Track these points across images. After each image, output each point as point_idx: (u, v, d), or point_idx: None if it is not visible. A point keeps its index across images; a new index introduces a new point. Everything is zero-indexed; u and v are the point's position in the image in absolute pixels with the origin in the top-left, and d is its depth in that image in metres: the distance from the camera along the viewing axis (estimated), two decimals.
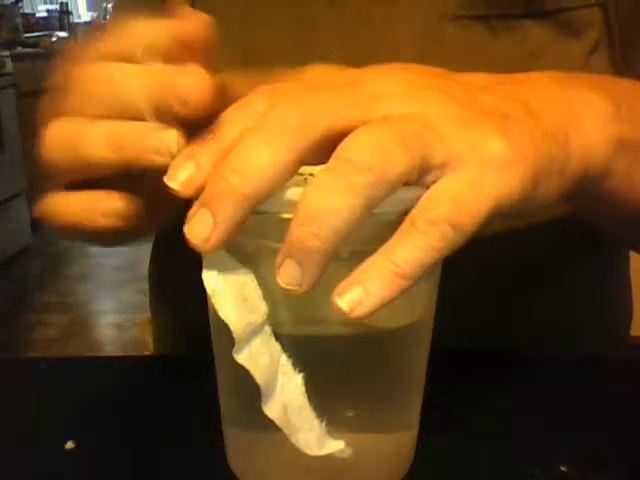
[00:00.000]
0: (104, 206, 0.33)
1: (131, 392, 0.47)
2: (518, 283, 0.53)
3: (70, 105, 0.32)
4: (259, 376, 0.30)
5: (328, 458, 0.34)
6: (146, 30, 0.31)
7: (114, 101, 0.31)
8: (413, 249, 0.27)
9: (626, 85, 0.39)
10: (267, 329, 0.31)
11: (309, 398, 0.32)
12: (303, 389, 0.31)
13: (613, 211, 0.40)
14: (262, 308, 0.31)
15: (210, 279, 0.30)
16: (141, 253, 0.66)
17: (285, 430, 0.31)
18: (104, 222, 0.33)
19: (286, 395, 0.31)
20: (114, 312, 2.62)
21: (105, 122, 0.31)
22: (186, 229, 0.28)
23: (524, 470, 0.38)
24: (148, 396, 0.46)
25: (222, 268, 0.30)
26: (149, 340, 0.70)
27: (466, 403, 0.43)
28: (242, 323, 0.30)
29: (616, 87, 0.38)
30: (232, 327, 0.29)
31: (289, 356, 0.31)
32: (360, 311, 0.27)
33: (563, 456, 0.39)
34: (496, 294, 0.52)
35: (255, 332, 0.30)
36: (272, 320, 0.33)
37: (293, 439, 0.31)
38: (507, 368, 0.48)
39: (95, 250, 3.18)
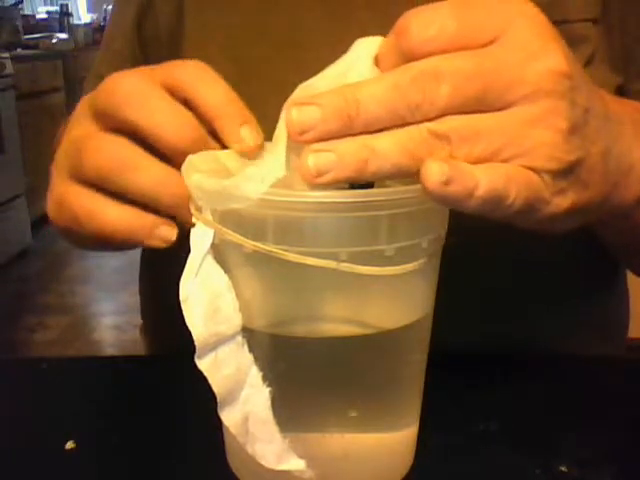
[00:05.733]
0: (155, 231, 0.36)
1: (131, 392, 0.47)
2: (519, 284, 0.53)
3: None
4: (217, 385, 0.31)
5: (328, 458, 0.34)
6: (218, 95, 0.35)
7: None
8: (395, 145, 0.28)
9: None
10: (239, 340, 0.31)
11: (308, 400, 0.32)
12: (269, 403, 0.31)
13: (624, 237, 0.45)
14: (236, 320, 0.31)
15: (185, 286, 0.30)
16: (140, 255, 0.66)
17: (240, 439, 0.31)
18: (150, 242, 0.36)
19: (249, 407, 0.31)
20: (114, 314, 2.62)
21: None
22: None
23: (524, 470, 0.38)
24: (148, 396, 0.46)
25: (202, 276, 0.31)
26: None
27: (466, 403, 0.43)
28: (207, 333, 0.30)
29: None
30: (194, 335, 0.30)
31: (260, 367, 0.31)
32: (324, 179, 0.28)
33: (563, 456, 0.39)
34: (496, 295, 0.52)
35: (222, 342, 0.31)
36: (271, 320, 0.33)
37: (249, 449, 0.31)
38: (507, 368, 0.48)
39: (95, 252, 3.17)
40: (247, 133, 0.35)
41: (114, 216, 0.36)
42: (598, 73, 0.50)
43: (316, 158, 0.28)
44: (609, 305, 0.60)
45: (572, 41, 0.49)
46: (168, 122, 0.34)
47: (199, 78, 0.36)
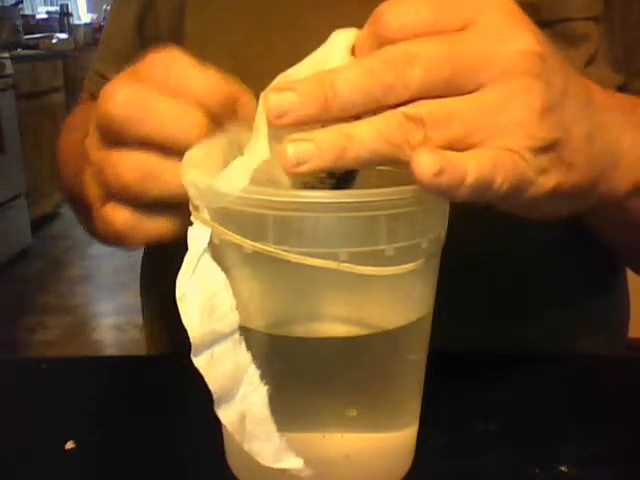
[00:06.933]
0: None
1: (131, 392, 0.47)
2: (518, 284, 0.53)
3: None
4: (213, 382, 0.30)
5: (328, 458, 0.34)
6: (201, 84, 0.35)
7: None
8: (372, 131, 0.29)
9: None
10: (237, 338, 0.31)
11: (307, 400, 0.32)
12: (266, 401, 0.31)
13: (620, 231, 0.45)
14: (232, 318, 0.31)
15: (182, 284, 0.30)
16: (141, 255, 0.66)
17: (237, 437, 0.31)
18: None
19: (247, 405, 0.31)
20: (114, 314, 2.62)
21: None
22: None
23: (524, 470, 0.38)
24: (148, 396, 0.46)
25: (199, 274, 0.31)
26: None
27: (466, 403, 0.43)
28: (203, 331, 0.30)
29: None
30: (190, 333, 0.30)
31: (258, 366, 0.31)
32: (304, 168, 0.29)
33: (563, 456, 0.39)
34: (496, 294, 0.52)
35: (219, 340, 0.31)
36: (270, 320, 0.33)
37: (246, 446, 0.31)
38: (507, 368, 0.48)
39: (95, 252, 3.18)
40: (243, 110, 0.35)
41: (156, 226, 0.37)
42: (600, 72, 0.50)
43: (295, 147, 0.29)
44: (609, 305, 0.60)
45: (574, 39, 0.49)
46: (177, 123, 0.34)
47: (181, 68, 0.35)
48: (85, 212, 0.42)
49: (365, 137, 0.29)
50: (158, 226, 0.37)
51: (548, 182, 0.32)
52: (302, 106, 0.29)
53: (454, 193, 0.29)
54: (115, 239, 0.38)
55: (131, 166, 0.35)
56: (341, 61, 0.31)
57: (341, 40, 0.32)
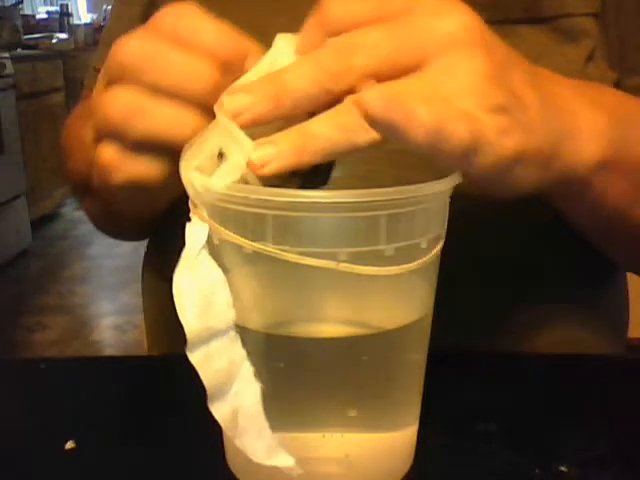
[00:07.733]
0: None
1: (131, 392, 0.47)
2: (517, 283, 0.53)
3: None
4: (207, 378, 0.31)
5: (328, 458, 0.34)
6: (211, 36, 0.35)
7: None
8: (326, 123, 0.30)
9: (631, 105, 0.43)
10: (232, 335, 0.31)
11: (307, 400, 0.32)
12: (259, 398, 0.31)
13: (587, 214, 0.44)
14: (229, 315, 0.31)
15: (179, 280, 0.30)
16: (141, 255, 0.66)
17: (229, 432, 0.31)
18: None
19: (239, 401, 0.31)
20: (114, 314, 2.62)
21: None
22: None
23: (524, 470, 0.38)
24: (148, 396, 0.46)
25: (196, 271, 0.31)
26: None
27: (466, 403, 0.43)
28: (200, 327, 0.30)
29: (620, 106, 0.41)
30: (186, 329, 0.30)
31: (256, 366, 0.31)
32: (267, 169, 0.29)
33: (563, 456, 0.39)
34: (495, 294, 0.52)
35: (215, 336, 0.31)
36: (270, 320, 0.33)
37: (238, 442, 0.32)
38: (507, 368, 0.48)
39: (94, 252, 3.18)
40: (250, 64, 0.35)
41: (140, 167, 0.37)
42: (598, 69, 0.50)
43: (257, 151, 0.30)
44: (608, 305, 0.60)
45: (573, 35, 0.50)
46: (185, 73, 0.34)
47: (191, 19, 0.35)
48: (89, 193, 0.42)
49: (320, 130, 0.30)
50: (143, 167, 0.37)
51: (507, 143, 0.32)
52: (255, 105, 0.30)
53: (407, 134, 0.29)
54: (101, 176, 0.38)
55: (119, 103, 0.35)
56: (288, 63, 0.32)
57: (285, 43, 0.33)
